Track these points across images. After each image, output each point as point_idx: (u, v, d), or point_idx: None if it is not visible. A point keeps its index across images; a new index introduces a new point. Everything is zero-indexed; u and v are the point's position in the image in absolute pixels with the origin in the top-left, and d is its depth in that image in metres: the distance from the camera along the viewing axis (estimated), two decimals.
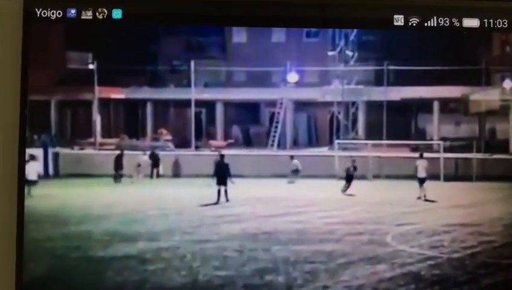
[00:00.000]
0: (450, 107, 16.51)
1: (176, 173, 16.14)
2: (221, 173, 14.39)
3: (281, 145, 16.97)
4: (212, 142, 16.69)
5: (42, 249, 10.75)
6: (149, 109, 17.29)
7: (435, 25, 8.90)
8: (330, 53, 16.72)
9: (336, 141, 16.60)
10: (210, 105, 17.24)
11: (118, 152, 15.33)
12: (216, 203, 14.07)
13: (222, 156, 14.87)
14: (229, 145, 16.25)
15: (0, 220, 9.81)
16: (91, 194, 14.44)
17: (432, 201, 13.88)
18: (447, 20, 8.92)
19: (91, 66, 14.72)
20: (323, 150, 16.69)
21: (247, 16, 9.02)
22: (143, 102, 17.21)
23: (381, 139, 16.16)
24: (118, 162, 15.36)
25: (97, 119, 16.11)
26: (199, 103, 16.83)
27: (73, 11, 9.36)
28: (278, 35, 15.31)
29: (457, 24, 8.91)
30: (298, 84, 16.19)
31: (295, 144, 17.27)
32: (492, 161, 14.97)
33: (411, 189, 14.50)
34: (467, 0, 9.17)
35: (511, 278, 10.26)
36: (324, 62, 16.73)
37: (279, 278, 10.60)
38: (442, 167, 15.22)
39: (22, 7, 9.44)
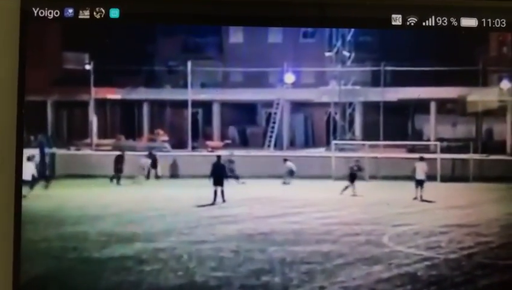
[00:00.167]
0: (447, 108, 16.51)
1: (174, 174, 16.13)
2: (218, 174, 14.38)
3: (278, 145, 16.99)
4: (208, 142, 16.69)
5: (39, 249, 10.71)
6: (145, 109, 17.27)
7: (433, 24, 8.89)
8: (327, 54, 16.70)
9: (333, 142, 16.61)
10: (207, 105, 17.23)
11: (117, 153, 15.34)
12: (212, 204, 14.05)
13: (219, 157, 14.86)
14: (226, 146, 16.28)
15: None
16: (88, 195, 14.42)
17: (429, 201, 13.91)
18: (445, 19, 8.90)
19: (88, 67, 14.72)
20: (320, 151, 16.69)
21: (245, 16, 9.01)
22: (139, 103, 17.18)
23: (378, 140, 16.17)
24: (118, 163, 15.36)
25: (93, 119, 16.11)
26: (196, 104, 16.81)
27: (70, 10, 9.33)
28: (275, 35, 15.31)
29: (455, 23, 8.90)
30: (295, 84, 16.19)
31: (292, 144, 17.28)
32: (489, 162, 14.97)
33: (408, 190, 14.47)
34: (465, 0, 9.17)
35: (508, 279, 10.24)
36: (321, 63, 16.73)
37: (276, 279, 10.58)
38: (439, 168, 15.20)
39: (19, 6, 9.40)
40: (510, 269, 10.43)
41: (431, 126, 16.70)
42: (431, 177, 14.79)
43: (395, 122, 16.55)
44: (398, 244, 12.10)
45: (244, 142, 16.95)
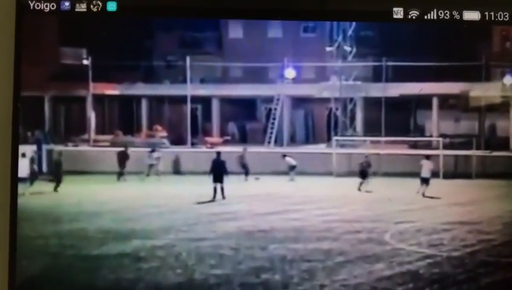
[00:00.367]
0: (449, 104, 16.46)
1: (175, 171, 16.09)
2: (218, 171, 14.32)
3: (278, 142, 16.94)
4: (208, 138, 16.66)
5: (35, 246, 10.64)
6: (144, 105, 17.21)
7: (435, 17, 8.78)
8: (328, 48, 16.65)
9: (334, 138, 16.56)
10: (206, 101, 17.17)
11: (120, 149, 15.30)
12: (212, 201, 14.00)
13: (218, 153, 14.80)
14: (225, 142, 16.24)
15: None
16: (85, 192, 14.35)
17: (432, 197, 13.90)
18: (447, 12, 8.80)
19: (85, 62, 14.66)
20: (321, 147, 16.66)
21: (245, 9, 8.91)
22: (138, 98, 17.13)
23: (379, 136, 16.14)
24: (122, 160, 15.33)
25: (91, 115, 16.07)
26: (195, 99, 16.74)
27: (67, 3, 9.24)
28: (275, 30, 15.23)
29: (457, 17, 8.80)
30: (295, 80, 16.13)
31: (292, 140, 17.23)
32: (492, 158, 14.93)
33: (410, 187, 14.46)
34: None
35: (510, 276, 10.17)
36: (322, 58, 16.68)
37: (276, 277, 10.54)
38: (441, 165, 15.16)
39: None
40: None
41: (433, 122, 16.63)
42: (433, 174, 14.74)
43: (396, 118, 16.52)
44: (400, 242, 12.03)
45: (244, 138, 16.92)
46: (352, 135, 17.01)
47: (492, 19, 8.76)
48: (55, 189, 14.01)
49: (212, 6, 8.91)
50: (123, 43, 13.12)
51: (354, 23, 15.83)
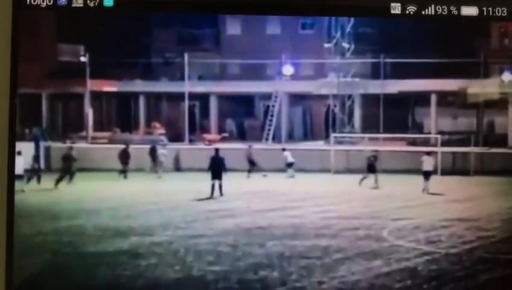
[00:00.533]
0: (447, 100, 16.48)
1: (176, 168, 16.09)
2: (216, 168, 14.31)
3: (276, 138, 16.92)
4: (206, 135, 16.65)
5: (33, 244, 10.61)
6: (142, 102, 17.20)
7: (433, 13, 8.71)
8: (326, 45, 16.68)
9: (332, 135, 16.56)
10: (204, 98, 17.16)
11: (121, 147, 15.39)
12: (210, 198, 14.00)
13: (217, 150, 14.78)
14: (223, 139, 16.23)
15: None
16: (84, 189, 14.36)
17: (435, 194, 13.96)
18: (445, 8, 8.73)
19: (83, 59, 14.68)
20: (319, 144, 16.66)
21: (243, 3, 8.85)
22: (136, 95, 17.11)
23: (378, 132, 16.15)
24: (123, 157, 15.33)
25: (89, 112, 16.06)
26: (193, 96, 16.76)
27: None
28: (273, 27, 15.25)
29: (455, 12, 8.72)
30: (293, 77, 16.16)
31: (290, 137, 17.23)
32: (490, 155, 14.93)
33: (409, 183, 14.49)
34: None
35: (509, 273, 10.12)
36: (320, 54, 16.69)
37: (274, 274, 10.48)
38: (439, 161, 15.16)
39: None
40: (511, 264, 10.31)
41: (431, 119, 16.64)
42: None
43: (395, 115, 16.53)
44: (398, 239, 12.00)
45: (242, 135, 16.92)
46: (350, 132, 17.01)
47: (490, 14, 8.69)
48: (69, 182, 14.20)
49: (210, 1, 8.85)
50: (121, 40, 13.13)
51: (352, 20, 15.88)
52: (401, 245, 11.70)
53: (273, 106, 17.02)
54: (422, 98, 16.59)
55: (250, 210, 13.36)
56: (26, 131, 13.52)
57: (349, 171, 15.67)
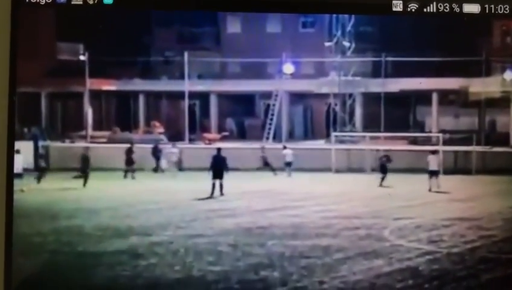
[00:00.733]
0: (449, 99, 16.48)
1: (179, 168, 16.07)
2: (218, 167, 14.29)
3: (277, 137, 16.90)
4: (206, 135, 16.65)
5: (32, 244, 10.57)
6: (141, 101, 17.20)
7: (435, 10, 8.66)
8: (327, 44, 16.68)
9: (333, 134, 16.54)
10: (204, 97, 17.16)
11: (127, 146, 15.39)
12: (210, 197, 13.99)
13: (219, 149, 14.75)
14: (224, 138, 16.22)
15: None
16: (83, 188, 14.36)
17: (441, 192, 13.98)
18: (446, 5, 8.68)
19: (82, 57, 14.66)
20: (320, 143, 16.66)
21: (243, 1, 8.80)
22: (135, 94, 17.11)
23: (379, 131, 16.15)
24: (129, 156, 15.33)
25: (88, 111, 16.06)
26: (193, 95, 16.76)
27: None
28: (274, 25, 15.24)
29: (457, 9, 8.67)
30: (294, 75, 16.15)
31: (291, 136, 17.23)
32: (492, 154, 14.93)
33: (410, 182, 14.47)
34: None
35: (511, 273, 10.08)
36: (320, 53, 16.69)
37: (275, 274, 10.45)
38: (441, 160, 15.15)
39: None
40: None
41: (433, 118, 16.64)
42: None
43: (396, 114, 16.53)
44: (399, 238, 11.97)
45: (243, 134, 16.92)
46: (351, 131, 17.00)
47: (493, 11, 8.64)
48: (84, 184, 14.23)
49: None
50: (120, 38, 13.09)
51: (353, 19, 15.83)
52: (402, 245, 11.67)
53: (274, 105, 17.00)
54: (423, 97, 16.58)
55: (251, 210, 13.35)
56: (25, 130, 13.48)
57: (350, 170, 15.66)
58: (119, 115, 17.05)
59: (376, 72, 16.29)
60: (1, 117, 9.11)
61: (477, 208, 12.74)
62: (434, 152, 14.94)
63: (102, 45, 13.26)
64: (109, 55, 14.00)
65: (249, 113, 17.25)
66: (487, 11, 8.65)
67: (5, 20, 9.00)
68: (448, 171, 15.00)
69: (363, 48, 16.27)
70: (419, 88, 16.10)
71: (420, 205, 13.45)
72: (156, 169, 15.79)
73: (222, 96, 17.18)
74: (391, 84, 16.33)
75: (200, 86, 16.83)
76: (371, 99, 16.86)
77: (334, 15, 15.86)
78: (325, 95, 17.12)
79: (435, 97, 16.56)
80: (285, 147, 15.90)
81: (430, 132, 16.38)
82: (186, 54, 15.92)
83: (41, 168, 14.02)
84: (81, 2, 8.78)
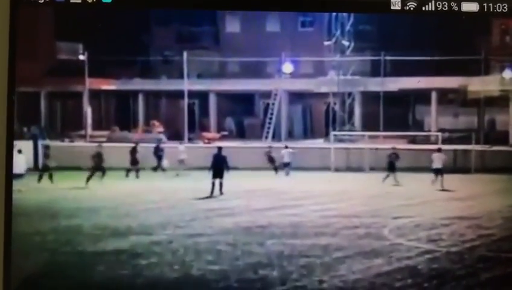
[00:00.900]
0: (448, 98, 16.48)
1: (181, 167, 16.08)
2: (219, 166, 14.30)
3: (276, 137, 16.91)
4: (205, 134, 16.66)
5: (32, 243, 10.58)
6: (141, 100, 17.20)
7: (433, 9, 8.65)
8: (326, 43, 16.68)
9: (332, 133, 16.55)
10: (203, 96, 17.17)
11: (132, 145, 15.41)
12: (210, 197, 13.99)
13: (220, 148, 14.76)
14: (223, 137, 16.23)
15: None
16: (82, 188, 14.35)
17: (442, 191, 14.02)
18: (445, 4, 8.66)
19: (81, 57, 14.68)
20: (319, 142, 16.66)
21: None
22: (135, 93, 17.12)
23: (378, 130, 16.15)
24: (133, 156, 15.32)
25: (88, 111, 16.07)
26: (192, 94, 16.76)
27: None
28: (273, 24, 15.25)
29: (455, 8, 8.66)
30: (293, 74, 16.17)
31: (290, 135, 17.23)
32: (491, 153, 14.92)
33: (409, 181, 14.48)
34: None
35: (510, 271, 10.07)
36: (320, 52, 16.69)
37: (274, 273, 10.44)
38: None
39: None
40: None
41: (432, 117, 16.64)
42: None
43: (395, 113, 16.53)
44: (398, 237, 11.97)
45: (242, 133, 16.93)
46: (350, 130, 17.01)
47: (491, 10, 8.64)
48: (102, 179, 14.37)
49: None
50: (119, 38, 13.11)
51: (352, 18, 15.84)
52: (401, 244, 11.66)
53: (273, 104, 17.00)
54: (422, 96, 16.58)
55: (250, 209, 13.34)
56: (25, 130, 13.49)
57: (350, 169, 15.66)
58: (118, 114, 17.07)
59: (375, 71, 16.31)
60: (0, 117, 9.10)
61: (477, 206, 12.75)
62: (439, 150, 14.92)
63: (101, 44, 13.28)
64: (108, 54, 14.01)
65: (248, 112, 17.26)
66: (486, 10, 8.65)
67: (4, 19, 9.00)
68: (447, 170, 15.01)
69: (362, 47, 16.29)
70: (418, 87, 16.11)
71: (419, 204, 13.45)
72: (156, 168, 15.79)
73: (221, 95, 17.19)
74: (390, 83, 16.33)
75: (199, 85, 16.85)
76: (370, 98, 16.87)
77: (334, 14, 15.89)
78: (324, 94, 17.13)
79: (434, 96, 16.56)
80: (286, 147, 15.89)
81: (430, 130, 16.39)
82: (185, 54, 15.93)
83: (48, 168, 14.07)
84: (79, 1, 8.78)
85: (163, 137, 15.94)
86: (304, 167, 15.53)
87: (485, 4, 8.64)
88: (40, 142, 14.25)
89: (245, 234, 12.09)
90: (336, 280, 10.13)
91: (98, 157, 14.67)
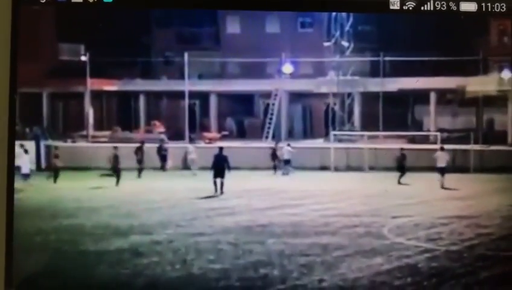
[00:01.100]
0: (447, 98, 16.49)
1: (184, 166, 16.10)
2: (220, 166, 14.33)
3: (276, 137, 16.92)
4: (206, 134, 16.67)
5: (34, 242, 10.61)
6: (142, 101, 17.22)
7: (432, 8, 8.71)
8: (326, 44, 16.70)
9: (332, 133, 16.57)
10: (204, 97, 17.19)
11: (137, 144, 15.46)
12: (212, 196, 14.03)
13: (221, 148, 14.79)
14: (223, 137, 16.25)
15: None
16: (84, 188, 14.36)
17: (446, 189, 14.10)
18: (443, 3, 8.72)
19: (83, 58, 14.71)
20: (319, 142, 16.67)
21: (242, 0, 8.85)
22: (136, 94, 17.14)
23: (377, 130, 16.16)
24: (139, 156, 15.33)
25: (89, 111, 16.09)
26: (193, 95, 16.78)
27: None
28: (273, 25, 15.26)
29: (454, 8, 8.72)
30: (293, 75, 16.18)
31: (290, 135, 17.22)
32: (490, 153, 14.94)
33: (411, 181, 14.51)
34: None
35: (509, 270, 10.11)
36: (319, 53, 16.70)
37: (274, 271, 10.47)
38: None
39: None
40: (511, 261, 10.31)
41: (431, 116, 16.66)
42: (432, 169, 14.78)
43: (394, 113, 16.53)
44: (398, 236, 12.00)
45: (242, 133, 16.95)
46: (350, 130, 17.02)
47: (489, 10, 8.69)
48: (117, 183, 14.42)
49: None
50: (121, 39, 13.14)
51: (351, 19, 15.88)
52: (401, 243, 11.69)
53: (273, 104, 17.03)
54: (421, 96, 16.60)
55: (250, 208, 13.36)
56: (27, 130, 13.53)
57: (349, 169, 15.68)
58: (120, 114, 17.09)
59: (374, 71, 16.32)
60: (3, 117, 9.13)
61: (476, 206, 12.78)
62: (442, 149, 14.93)
63: (103, 45, 13.31)
64: (110, 56, 14.04)
65: (248, 112, 17.28)
66: (484, 9, 8.70)
67: (6, 19, 9.03)
68: (446, 170, 15.02)
69: (361, 47, 16.31)
70: (417, 87, 16.13)
71: (419, 203, 13.47)
72: (161, 168, 15.84)
73: (222, 96, 17.21)
74: (389, 84, 16.35)
75: (200, 86, 16.88)
76: (369, 98, 16.89)
77: (333, 15, 15.94)
78: (324, 95, 17.15)
79: (432, 96, 16.58)
80: (289, 145, 15.92)
81: (429, 130, 16.40)
82: (186, 54, 15.96)
83: (58, 168, 14.13)
84: (81, 0, 8.81)
85: (164, 137, 15.97)
86: (303, 167, 15.56)
87: (483, 4, 8.70)
88: (42, 143, 14.29)
89: (246, 233, 12.12)
90: (336, 278, 10.17)
91: (114, 159, 14.73)
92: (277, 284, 10.11)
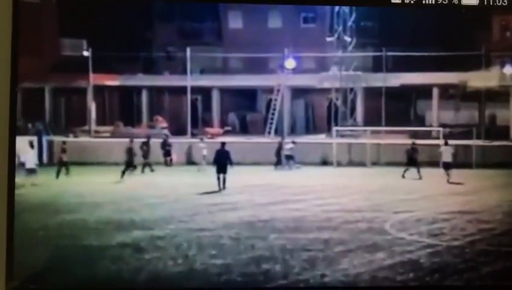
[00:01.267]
0: (449, 93, 16.48)
1: (188, 162, 16.11)
2: (222, 161, 14.33)
3: (278, 132, 16.92)
4: (208, 129, 16.67)
5: (36, 237, 10.61)
6: (144, 96, 17.23)
7: (433, 2, 8.69)
8: (328, 39, 16.69)
9: (334, 128, 16.57)
10: (206, 92, 17.20)
11: (143, 140, 15.46)
12: (216, 192, 14.03)
13: (223, 143, 14.78)
14: (226, 133, 16.25)
15: None
16: (87, 183, 14.36)
17: (456, 184, 14.13)
18: None
19: (85, 53, 14.71)
20: (321, 137, 16.67)
21: None
22: (138, 89, 17.15)
23: (380, 125, 16.15)
24: (144, 151, 15.34)
25: (92, 106, 16.11)
26: (195, 90, 16.78)
27: None
28: (275, 20, 15.25)
29: (456, 1, 8.70)
30: (296, 70, 16.16)
31: (293, 131, 17.24)
32: (492, 148, 14.93)
33: (411, 176, 14.49)
34: None
35: (510, 265, 10.11)
36: (322, 48, 16.70)
37: (276, 267, 10.45)
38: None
39: None
40: None
41: (433, 112, 16.65)
42: (434, 164, 14.77)
43: (397, 108, 16.53)
44: (400, 232, 11.98)
45: (245, 129, 16.94)
46: (352, 125, 17.02)
47: (491, 4, 8.67)
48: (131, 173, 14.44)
49: None
50: (123, 34, 13.14)
51: (354, 14, 15.86)
52: (403, 238, 11.67)
53: (276, 100, 17.02)
54: (424, 91, 16.59)
55: (253, 203, 13.34)
56: (29, 125, 13.54)
57: (352, 164, 15.68)
58: (122, 109, 17.10)
59: (377, 66, 16.32)
60: (4, 112, 9.12)
61: (477, 201, 12.76)
62: (446, 143, 14.91)
63: (105, 40, 13.31)
64: (112, 50, 14.04)
65: (251, 107, 17.28)
66: (486, 4, 8.69)
67: (7, 14, 9.02)
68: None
69: (364, 42, 16.30)
70: (419, 82, 16.13)
71: (421, 199, 13.46)
72: (166, 163, 15.84)
73: (224, 91, 17.21)
74: (392, 79, 16.35)
75: (202, 81, 16.87)
76: (372, 93, 16.88)
77: (336, 10, 15.92)
78: (327, 90, 17.16)
79: (435, 91, 16.57)
80: (294, 142, 15.91)
81: (431, 125, 16.39)
82: (188, 50, 15.96)
83: (65, 163, 14.16)
84: None
85: (167, 132, 15.97)
86: (306, 162, 15.56)
87: None
88: (45, 138, 14.29)
89: (248, 228, 12.10)
90: (337, 273, 10.16)
91: (129, 152, 14.76)
92: (279, 279, 10.10)
